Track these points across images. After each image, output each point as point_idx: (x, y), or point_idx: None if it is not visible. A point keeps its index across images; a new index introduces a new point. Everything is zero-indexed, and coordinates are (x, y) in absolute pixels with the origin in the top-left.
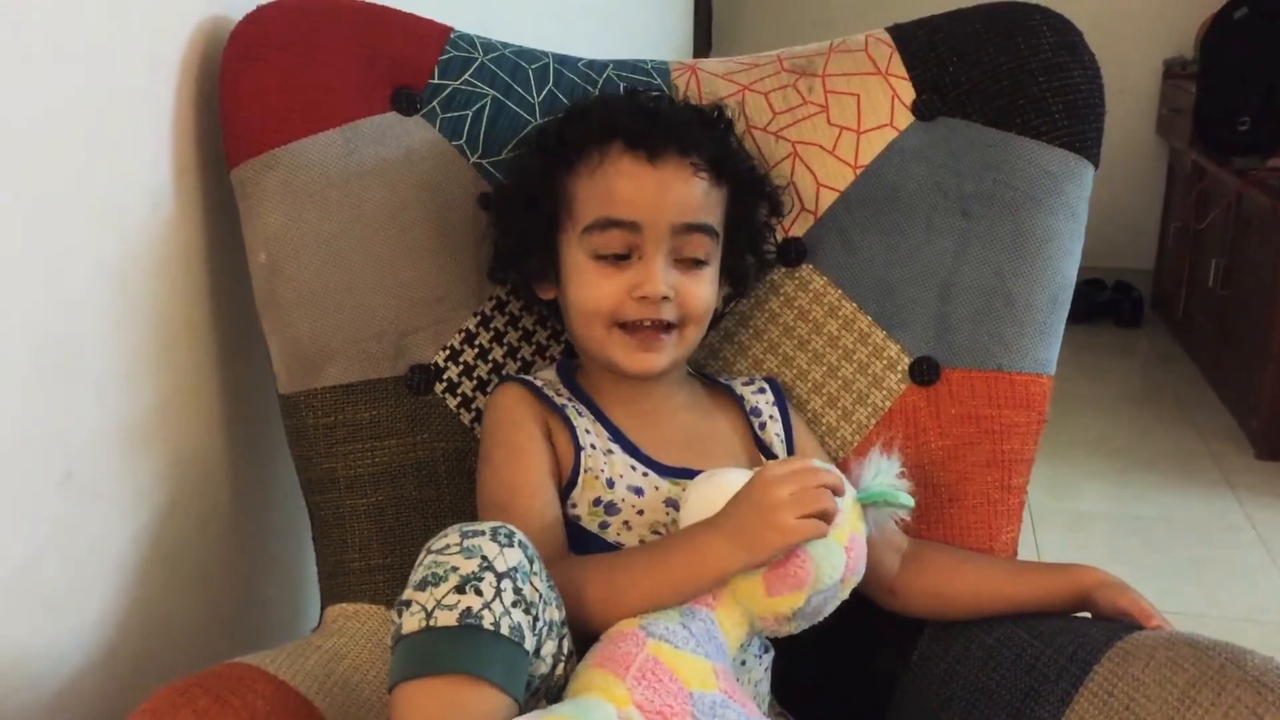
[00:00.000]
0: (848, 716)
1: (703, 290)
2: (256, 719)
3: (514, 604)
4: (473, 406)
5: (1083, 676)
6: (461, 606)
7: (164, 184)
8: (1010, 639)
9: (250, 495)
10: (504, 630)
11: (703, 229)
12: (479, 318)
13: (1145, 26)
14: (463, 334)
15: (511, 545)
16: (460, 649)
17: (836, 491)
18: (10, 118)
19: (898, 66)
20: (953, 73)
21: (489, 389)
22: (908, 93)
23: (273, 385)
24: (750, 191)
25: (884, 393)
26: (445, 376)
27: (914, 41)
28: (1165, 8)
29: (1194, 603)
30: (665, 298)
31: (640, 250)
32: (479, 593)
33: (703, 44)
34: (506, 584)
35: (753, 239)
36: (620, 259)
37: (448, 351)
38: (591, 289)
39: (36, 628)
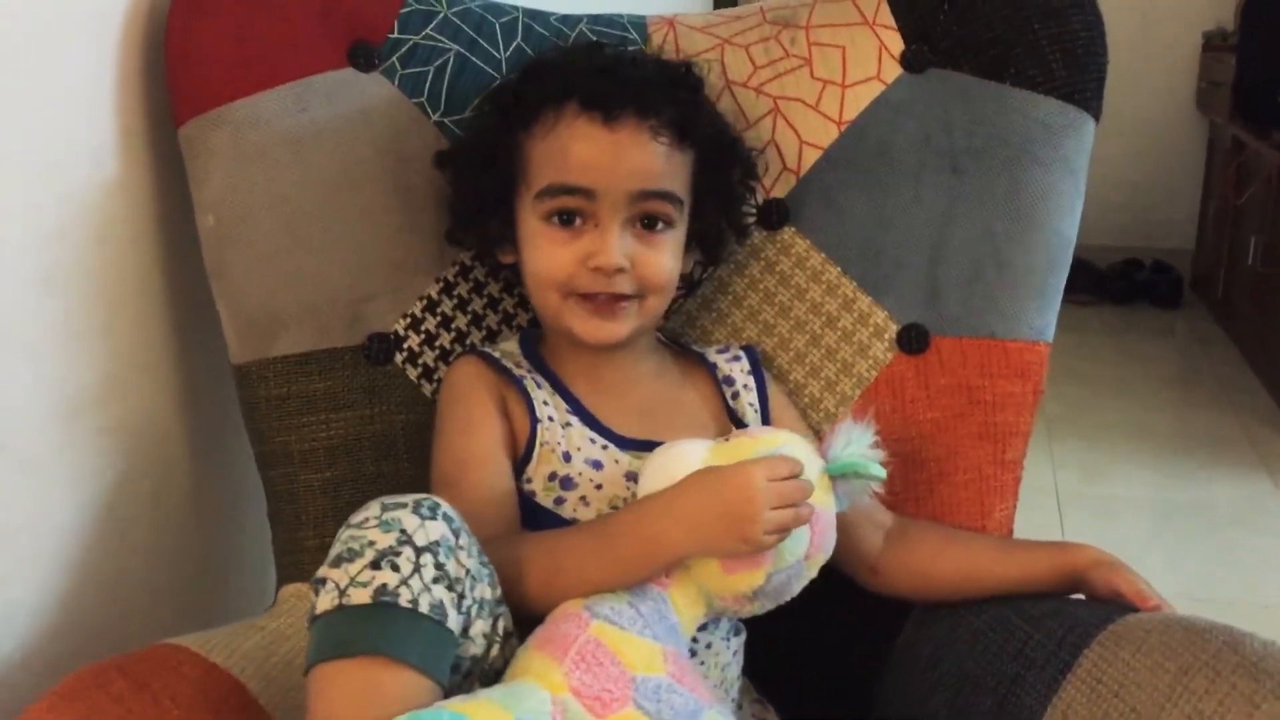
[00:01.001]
0: (831, 702)
1: (663, 260)
2: (179, 702)
3: (435, 580)
4: (434, 378)
5: (1071, 662)
6: (376, 583)
7: (108, 142)
8: (999, 622)
9: (211, 469)
10: (423, 608)
11: (663, 195)
12: (441, 284)
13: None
14: (424, 301)
15: (434, 518)
16: (375, 628)
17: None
18: None
19: (885, 16)
20: (943, 21)
21: (451, 359)
22: (896, 44)
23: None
24: (720, 155)
25: (870, 362)
26: (406, 346)
27: None
28: None
29: (1227, 589)
30: (620, 269)
31: (596, 218)
32: (395, 568)
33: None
34: (427, 559)
35: (725, 204)
36: (573, 222)
37: (408, 320)
38: (545, 257)
39: None
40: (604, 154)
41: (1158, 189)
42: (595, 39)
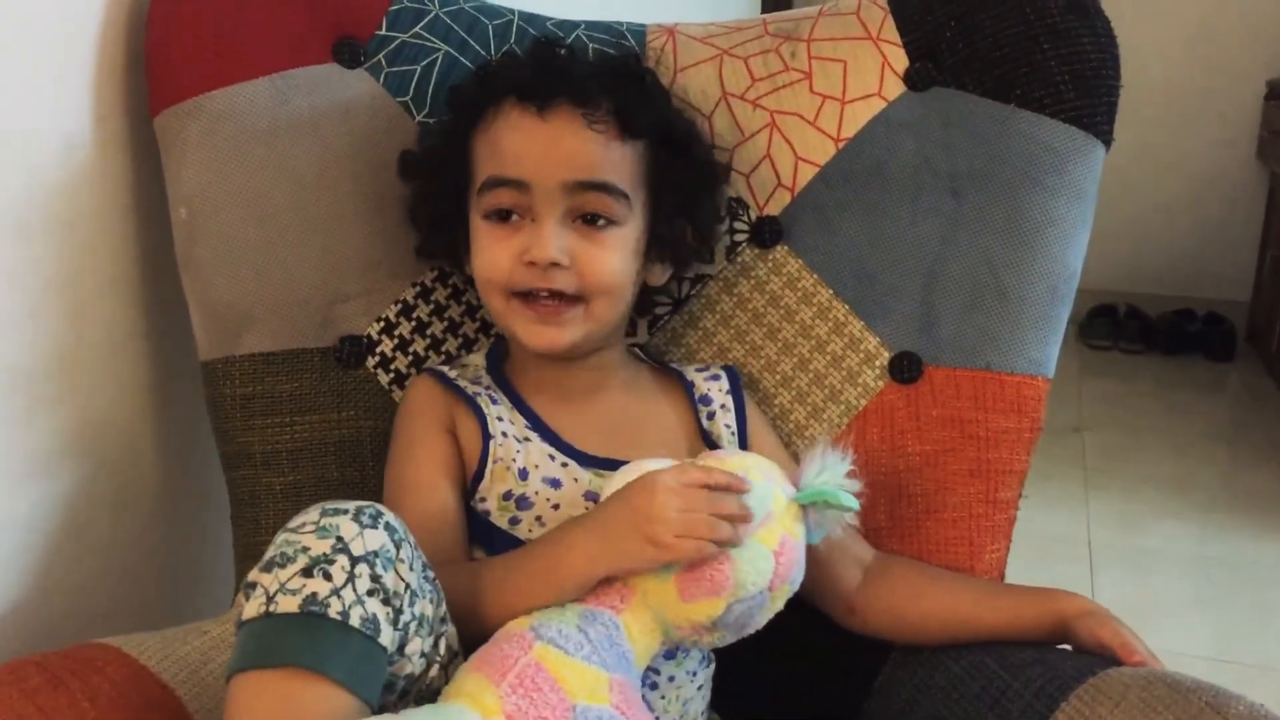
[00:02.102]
0: None
1: (607, 256)
2: (97, 703)
3: (370, 593)
4: (406, 384)
5: (1048, 714)
6: (306, 592)
7: (82, 127)
8: (978, 669)
9: (177, 469)
10: (353, 621)
11: (601, 187)
12: (418, 289)
13: (1247, 46)
14: (399, 305)
15: (375, 527)
16: (300, 639)
17: (737, 516)
18: None
19: (890, 31)
20: (950, 39)
21: (411, 378)
22: (900, 60)
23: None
24: (672, 148)
25: (859, 389)
26: (378, 350)
27: (909, 5)
28: (1267, 26)
29: (1262, 653)
30: (556, 263)
31: (532, 212)
32: (328, 577)
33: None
34: (362, 569)
35: (686, 205)
36: (508, 220)
37: (381, 324)
38: (484, 254)
39: None
40: (535, 143)
41: (1215, 238)
42: (590, 46)
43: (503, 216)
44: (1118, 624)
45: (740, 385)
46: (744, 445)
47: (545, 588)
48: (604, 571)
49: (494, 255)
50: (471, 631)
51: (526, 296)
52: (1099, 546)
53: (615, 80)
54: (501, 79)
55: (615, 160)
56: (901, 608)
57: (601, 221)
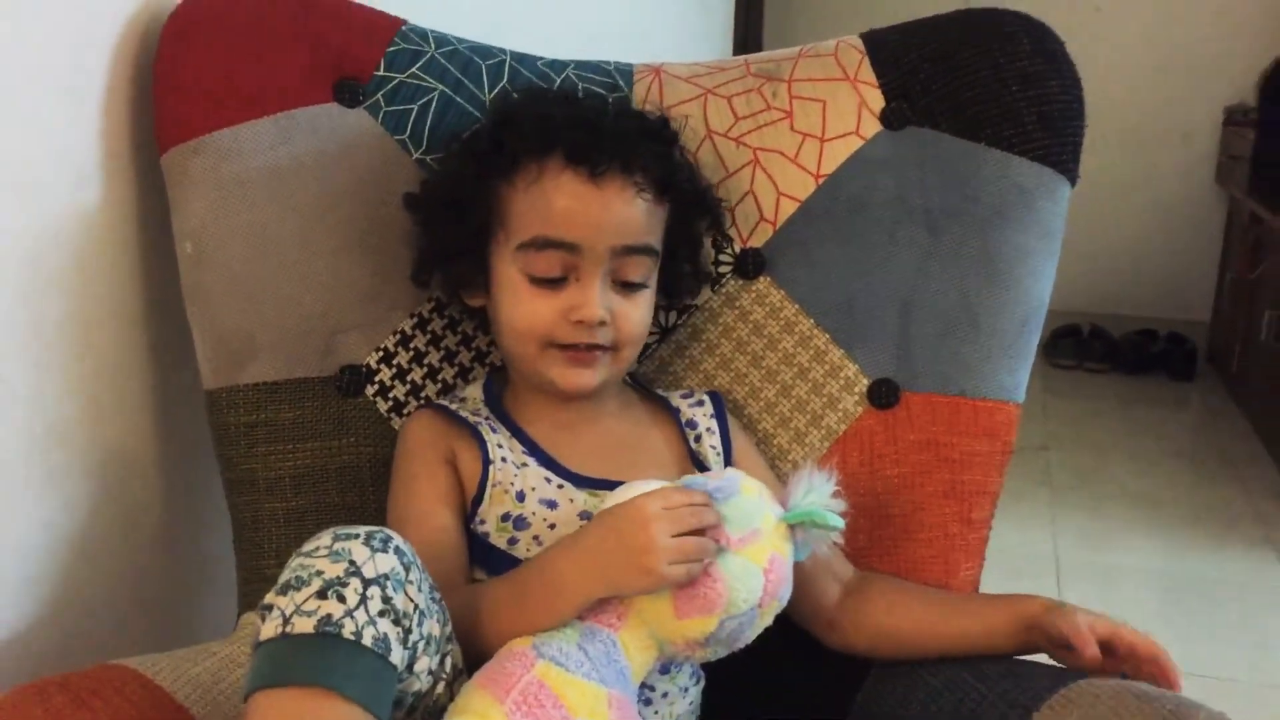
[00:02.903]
0: None
1: (639, 313)
2: None
3: (381, 613)
4: (405, 411)
5: None
6: (321, 613)
7: (91, 164)
8: (955, 683)
9: (182, 494)
10: (366, 641)
11: (644, 250)
12: (415, 319)
13: (1207, 73)
14: (397, 335)
15: (385, 551)
16: (316, 659)
17: (712, 522)
18: None
19: (867, 73)
20: (923, 80)
21: (423, 394)
22: (876, 100)
23: None
24: (693, 208)
25: (839, 415)
26: (377, 379)
27: (885, 47)
28: (1228, 54)
29: (1229, 666)
30: (603, 322)
31: (577, 272)
32: (342, 599)
33: (751, 47)
34: (374, 591)
35: (691, 253)
36: (556, 280)
37: (381, 353)
38: (525, 309)
39: None
40: (590, 210)
41: (1176, 260)
42: (580, 85)
43: (548, 277)
44: (1079, 616)
45: (724, 409)
46: (730, 466)
47: (543, 615)
48: (598, 597)
49: (536, 310)
50: (474, 651)
51: (562, 345)
52: (1066, 563)
53: (654, 145)
54: (539, 133)
55: (654, 224)
56: (877, 622)
57: (637, 282)
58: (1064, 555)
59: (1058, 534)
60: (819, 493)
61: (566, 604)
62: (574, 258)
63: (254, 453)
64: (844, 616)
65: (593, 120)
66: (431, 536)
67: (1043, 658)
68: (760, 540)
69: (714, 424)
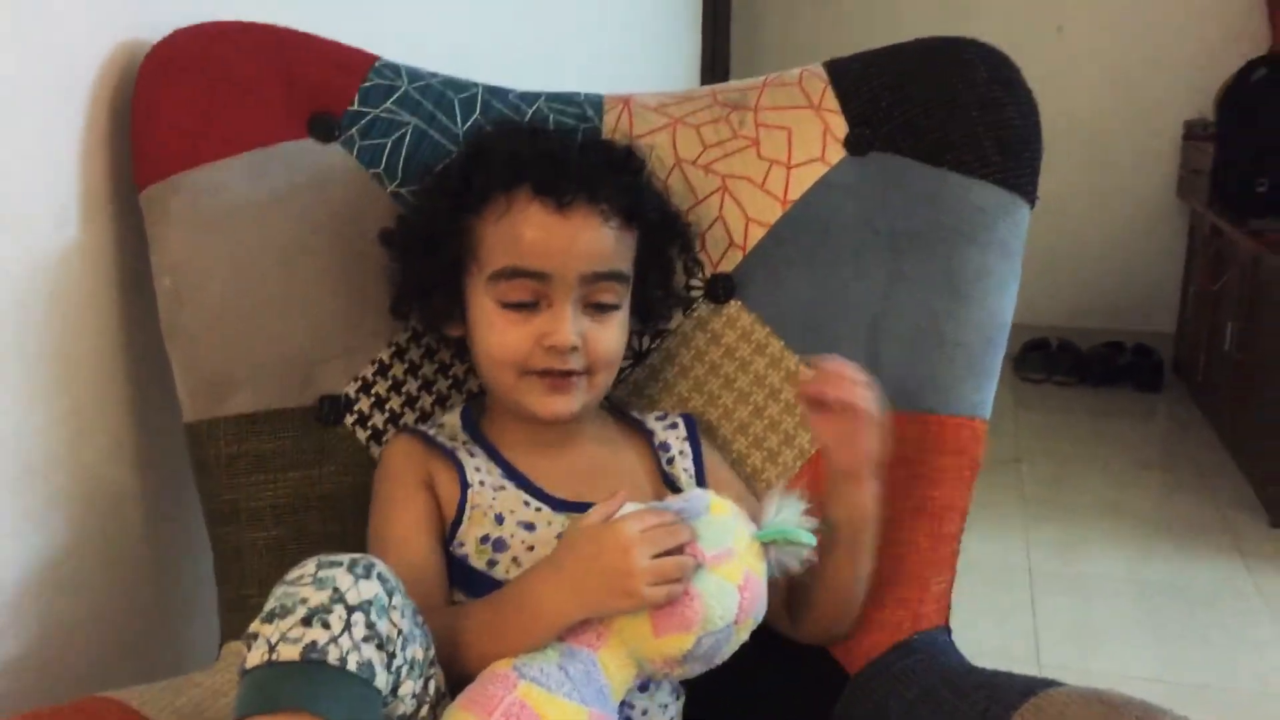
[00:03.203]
0: None
1: (611, 336)
2: None
3: (365, 639)
4: (384, 440)
5: None
6: (306, 640)
7: (70, 202)
8: (929, 694)
9: (164, 527)
10: (351, 666)
11: (613, 276)
12: (393, 349)
13: (1166, 88)
14: (375, 365)
15: (369, 578)
16: (301, 685)
17: (690, 551)
18: None
19: (830, 100)
20: (885, 107)
21: (402, 422)
22: (840, 127)
23: None
24: (662, 232)
25: (811, 434)
26: (356, 408)
27: (848, 75)
28: (1186, 70)
29: (1199, 672)
30: (574, 348)
31: (548, 299)
32: (326, 626)
33: (719, 77)
34: (358, 618)
35: (662, 277)
36: (527, 307)
37: (359, 383)
38: (500, 337)
39: None
40: (558, 239)
41: (1140, 273)
42: (551, 117)
43: (522, 303)
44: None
45: (697, 431)
46: (702, 487)
47: (522, 639)
48: (576, 620)
49: (509, 337)
50: (455, 673)
51: (538, 372)
52: (1039, 574)
53: (621, 174)
54: (506, 168)
55: (623, 250)
56: (803, 593)
57: (608, 304)
58: (1037, 566)
59: (1030, 545)
60: (791, 510)
61: (545, 628)
62: (544, 286)
63: (235, 483)
64: (792, 604)
65: (559, 153)
66: (411, 559)
67: (1015, 651)
68: (734, 559)
69: (686, 446)
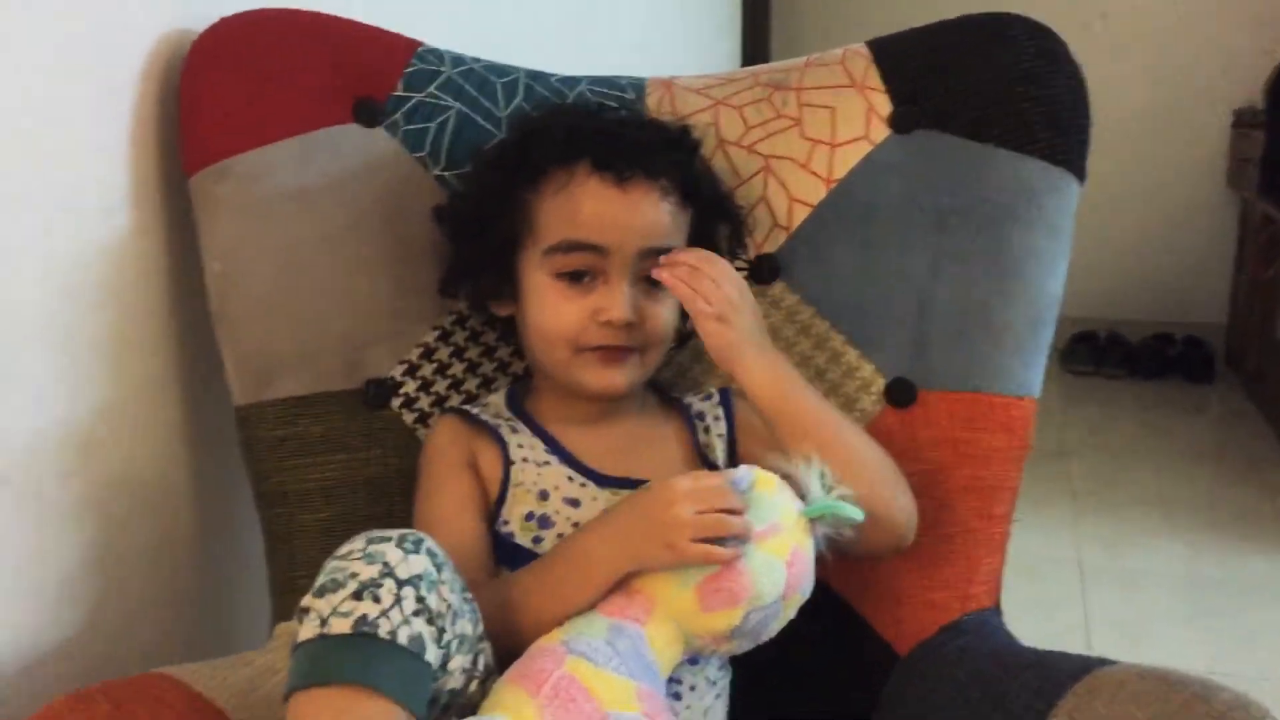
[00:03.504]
0: None
1: (666, 313)
2: None
3: (415, 613)
4: (429, 422)
5: (1046, 712)
6: (357, 614)
7: (121, 190)
8: (980, 675)
9: (215, 509)
10: (401, 640)
11: (669, 252)
12: (438, 332)
13: (1214, 78)
14: (421, 348)
15: (418, 553)
16: (353, 658)
17: (738, 510)
18: None
19: (874, 79)
20: (929, 84)
21: (447, 405)
22: (884, 105)
23: None
24: (715, 213)
25: (857, 415)
26: (402, 391)
27: (891, 53)
28: (1235, 57)
29: (1253, 666)
30: (630, 323)
31: (604, 274)
32: (377, 600)
33: (759, 60)
34: (408, 592)
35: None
36: (582, 279)
37: (405, 366)
38: (553, 312)
39: None
40: (618, 212)
41: (1190, 264)
42: (594, 99)
43: (575, 277)
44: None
45: (732, 401)
46: (734, 454)
47: (571, 592)
48: (624, 571)
49: (564, 311)
50: (505, 644)
51: (593, 349)
52: (1089, 568)
53: (677, 153)
54: (565, 143)
55: (679, 227)
56: None
57: None
58: (1087, 560)
59: (1080, 539)
60: (837, 486)
61: (593, 580)
62: (601, 260)
63: (284, 466)
64: None
65: (618, 130)
66: (457, 538)
67: (1065, 645)
68: (782, 534)
69: (720, 412)
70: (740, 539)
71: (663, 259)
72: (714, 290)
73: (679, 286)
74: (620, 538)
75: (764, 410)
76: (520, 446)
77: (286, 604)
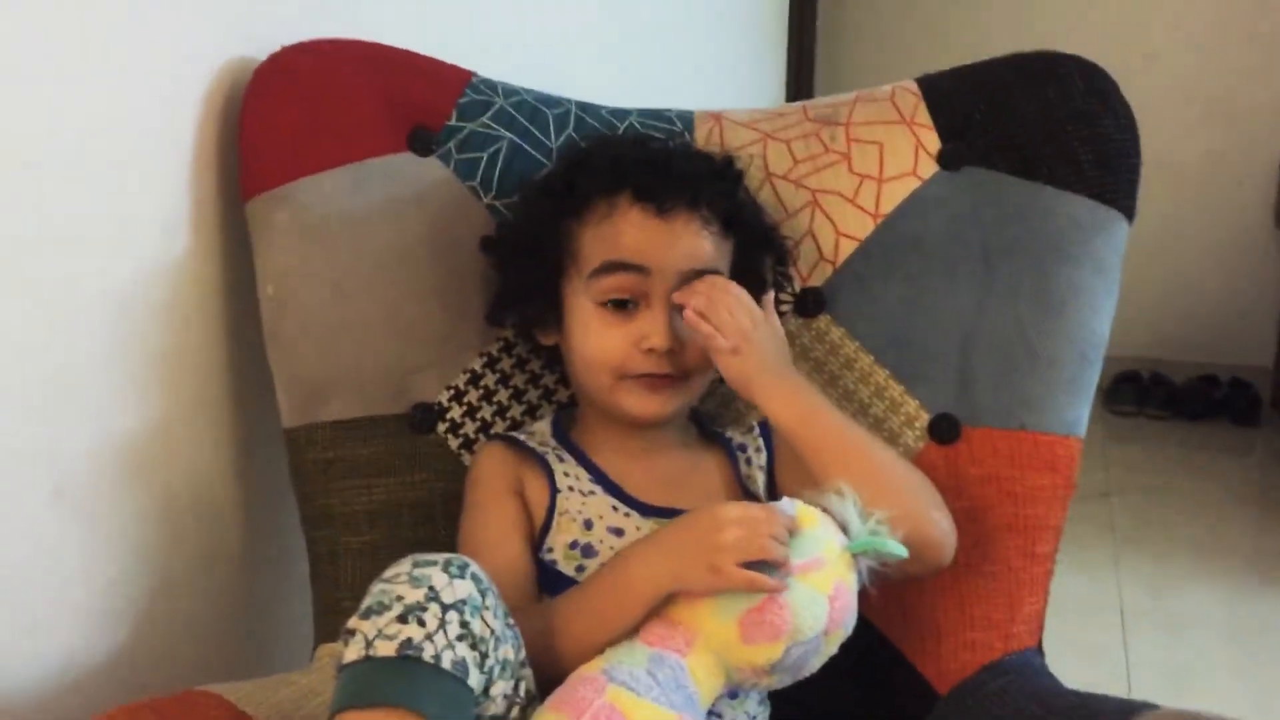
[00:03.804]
0: None
1: None
2: None
3: (459, 638)
4: (475, 448)
5: None
6: (402, 637)
7: (180, 215)
8: (1021, 715)
9: (261, 529)
10: (445, 664)
11: (712, 275)
12: (485, 359)
13: (1261, 116)
14: (468, 375)
15: (463, 577)
16: (397, 681)
17: (783, 540)
18: (33, 142)
19: (923, 115)
20: (979, 121)
21: (492, 431)
22: (933, 142)
23: None
24: (758, 243)
25: (901, 450)
26: (449, 416)
27: (940, 90)
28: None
29: None
30: (671, 350)
31: (647, 298)
32: (422, 624)
33: (804, 96)
34: (452, 616)
35: (755, 290)
36: (626, 306)
37: (452, 391)
38: (597, 339)
39: (14, 645)
40: (658, 239)
41: (1236, 305)
42: (644, 132)
43: (619, 305)
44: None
45: (771, 434)
46: (773, 486)
47: (612, 613)
48: (666, 590)
49: (608, 340)
50: (547, 670)
51: (637, 377)
52: (1131, 611)
53: (720, 184)
54: (609, 173)
55: (721, 256)
56: None
57: None
58: (1129, 603)
59: (1122, 581)
60: (874, 514)
61: (634, 600)
62: (643, 283)
63: (331, 488)
64: None
65: (661, 160)
66: (501, 564)
67: (1107, 690)
68: (825, 568)
69: (760, 444)
70: (783, 569)
71: (674, 296)
72: (729, 321)
73: (694, 320)
74: (663, 557)
75: (787, 436)
76: (566, 475)
77: (329, 625)
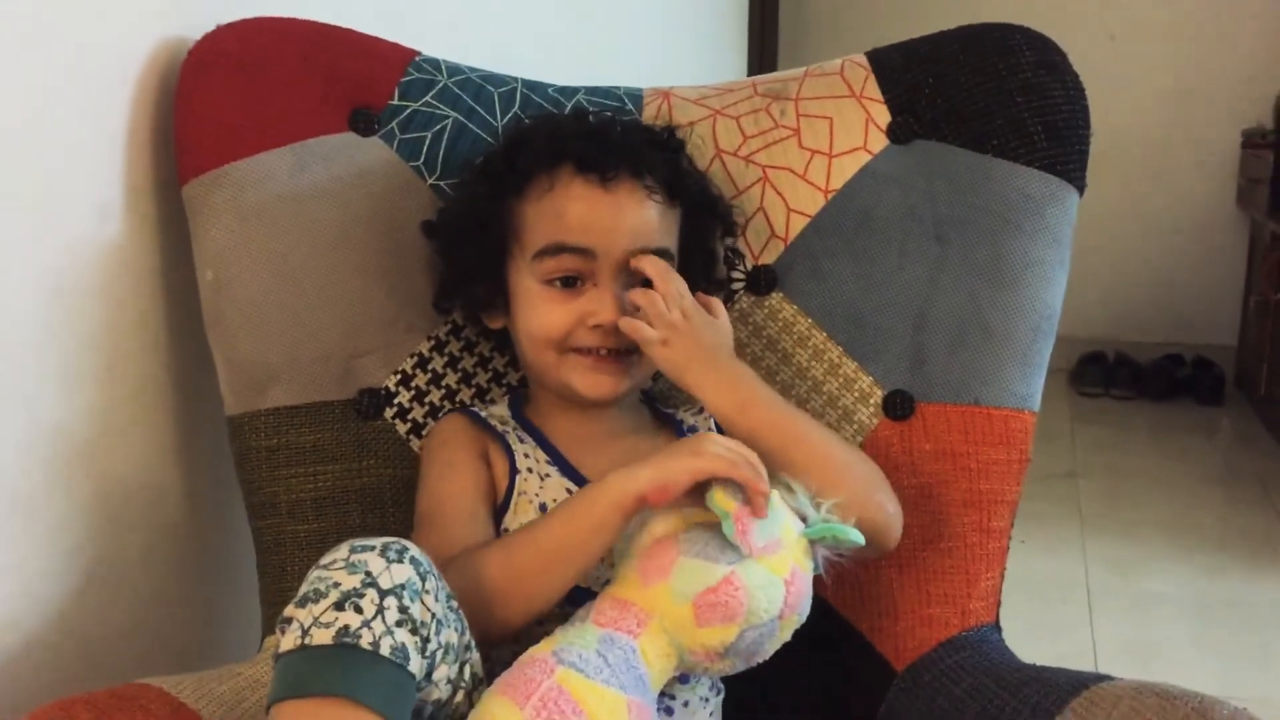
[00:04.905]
0: None
1: None
2: None
3: (398, 623)
4: (423, 433)
5: None
6: (339, 624)
7: (114, 199)
8: (978, 690)
9: (206, 520)
10: (384, 651)
11: (659, 253)
12: (433, 342)
13: (1223, 98)
14: (415, 358)
15: (401, 561)
16: (335, 669)
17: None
18: None
19: (873, 89)
20: (929, 94)
21: (441, 415)
22: (883, 116)
23: None
24: (704, 212)
25: (855, 427)
26: (396, 401)
27: (890, 64)
28: (1244, 77)
29: (1262, 688)
30: (618, 327)
31: (593, 278)
32: (359, 610)
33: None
34: (391, 601)
35: (706, 263)
36: (571, 285)
37: (399, 376)
38: (542, 316)
39: None
40: (603, 214)
41: (1200, 285)
42: (590, 109)
43: (565, 283)
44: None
45: None
46: None
47: (584, 520)
48: (634, 496)
49: (552, 316)
50: (497, 617)
51: (582, 350)
52: (1097, 590)
53: (661, 152)
54: (548, 148)
55: (667, 227)
56: None
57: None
58: (1095, 583)
59: (1089, 561)
60: (830, 510)
61: (610, 500)
62: (589, 264)
63: (276, 476)
64: None
65: (600, 131)
66: (471, 513)
67: (1063, 660)
68: (782, 551)
69: (712, 424)
70: (743, 546)
71: (629, 295)
72: (660, 314)
73: (628, 325)
74: (640, 468)
75: (725, 426)
76: (525, 456)
77: (275, 616)
